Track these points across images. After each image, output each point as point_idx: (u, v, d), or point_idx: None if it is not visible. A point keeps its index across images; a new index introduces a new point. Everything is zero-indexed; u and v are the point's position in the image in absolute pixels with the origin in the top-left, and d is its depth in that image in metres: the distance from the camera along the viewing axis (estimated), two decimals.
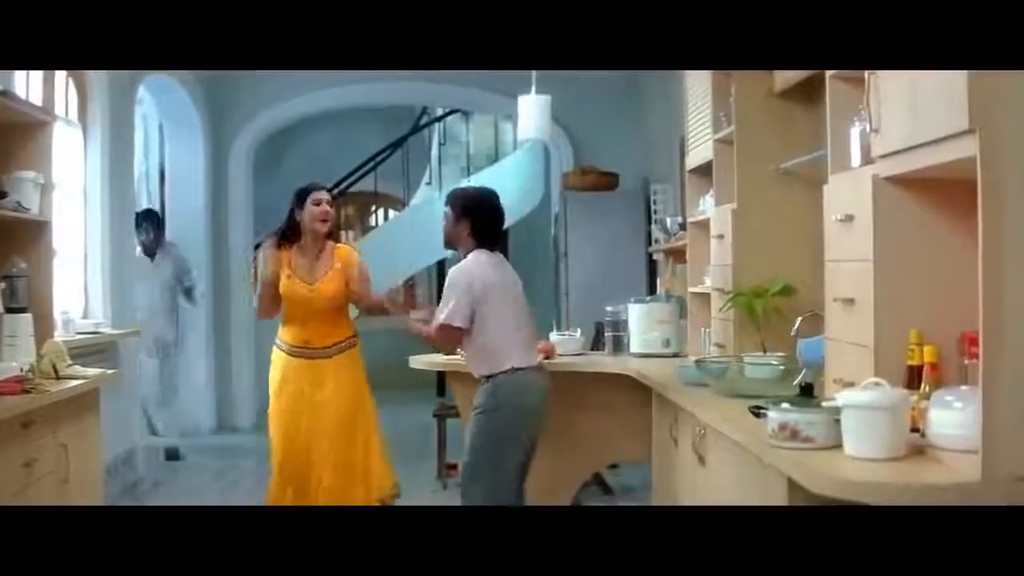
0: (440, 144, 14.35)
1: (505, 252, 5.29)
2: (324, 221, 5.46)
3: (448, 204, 5.00)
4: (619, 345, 6.08)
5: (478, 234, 4.88)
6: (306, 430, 5.45)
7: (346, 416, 5.50)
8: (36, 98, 5.59)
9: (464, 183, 5.56)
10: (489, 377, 4.79)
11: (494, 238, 4.95)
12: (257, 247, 6.39)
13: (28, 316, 5.01)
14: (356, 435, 5.54)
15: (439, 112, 13.59)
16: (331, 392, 5.49)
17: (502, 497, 4.72)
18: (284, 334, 5.55)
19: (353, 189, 12.92)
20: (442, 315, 4.78)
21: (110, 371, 5.46)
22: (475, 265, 4.81)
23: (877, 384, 2.82)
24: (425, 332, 4.93)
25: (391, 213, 14.91)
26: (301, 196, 5.51)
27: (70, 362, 5.10)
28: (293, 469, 5.45)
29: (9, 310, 4.97)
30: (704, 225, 5.44)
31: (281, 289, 5.45)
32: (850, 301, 3.31)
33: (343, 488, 5.45)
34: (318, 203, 5.46)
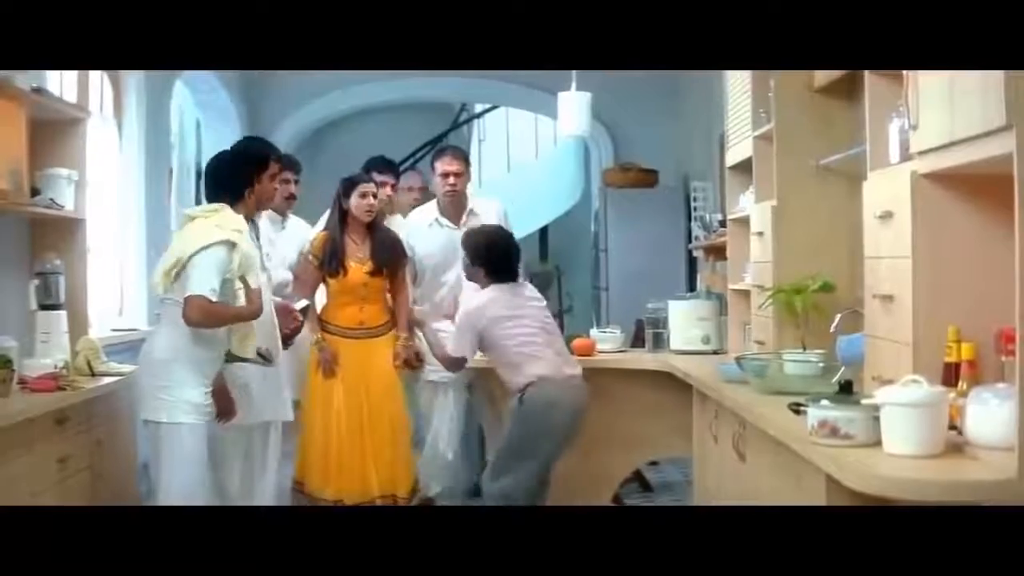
0: (480, 141, 14.35)
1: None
2: (369, 212, 5.64)
3: (462, 247, 5.30)
4: (659, 342, 6.08)
5: (493, 274, 5.17)
6: (361, 409, 5.61)
7: (399, 394, 5.77)
8: (70, 95, 5.61)
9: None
10: (521, 389, 5.04)
11: (509, 272, 5.22)
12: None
13: (62, 313, 5.06)
14: (404, 415, 5.80)
15: (478, 109, 13.58)
16: (386, 370, 5.72)
17: (516, 497, 4.98)
18: (336, 317, 5.66)
19: None
20: (450, 347, 5.21)
21: None
22: (475, 303, 5.18)
23: (915, 381, 2.82)
24: (438, 354, 5.36)
25: None
26: (348, 187, 5.73)
27: (105, 359, 5.16)
28: (345, 446, 5.64)
29: (43, 307, 5.02)
30: (744, 222, 5.43)
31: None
32: (889, 298, 3.30)
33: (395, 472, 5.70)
34: (364, 195, 5.65)
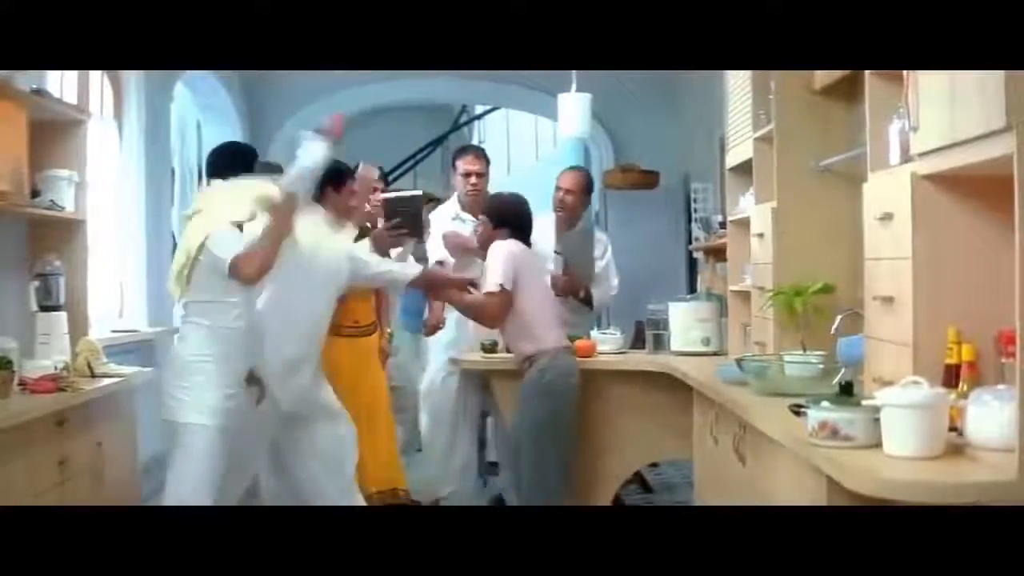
0: (480, 142, 14.36)
1: None
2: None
3: (485, 213, 5.38)
4: (660, 343, 6.07)
5: (515, 236, 5.29)
6: (359, 407, 5.59)
7: (387, 392, 5.73)
8: (70, 96, 5.61)
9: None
10: (532, 359, 5.12)
11: (527, 236, 5.36)
12: None
13: (63, 314, 5.07)
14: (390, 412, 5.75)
15: (478, 110, 13.59)
16: (377, 368, 5.68)
17: (553, 479, 5.06)
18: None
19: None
20: (491, 282, 5.12)
21: (146, 369, 5.50)
22: (510, 244, 5.23)
23: (916, 383, 2.81)
24: (469, 300, 5.24)
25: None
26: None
27: (105, 360, 5.16)
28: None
29: (44, 308, 5.03)
30: (744, 223, 5.42)
31: None
32: (889, 299, 3.30)
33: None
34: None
